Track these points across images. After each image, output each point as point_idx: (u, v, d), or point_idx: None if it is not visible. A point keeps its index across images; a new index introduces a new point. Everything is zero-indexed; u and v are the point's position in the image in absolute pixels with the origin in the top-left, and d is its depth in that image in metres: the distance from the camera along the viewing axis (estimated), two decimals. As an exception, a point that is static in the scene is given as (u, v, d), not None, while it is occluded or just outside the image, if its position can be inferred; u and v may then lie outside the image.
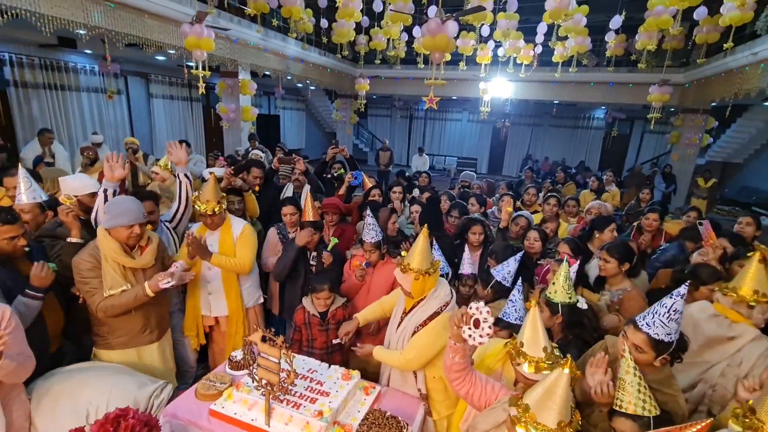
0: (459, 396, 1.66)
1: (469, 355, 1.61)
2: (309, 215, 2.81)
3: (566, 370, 1.18)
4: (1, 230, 1.89)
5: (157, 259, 2.30)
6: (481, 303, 1.52)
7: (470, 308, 1.52)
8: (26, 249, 2.02)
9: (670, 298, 1.50)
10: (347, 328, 2.32)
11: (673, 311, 1.48)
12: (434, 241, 2.80)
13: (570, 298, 1.96)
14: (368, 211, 2.60)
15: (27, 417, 1.80)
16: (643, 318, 1.54)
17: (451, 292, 2.06)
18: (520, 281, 2.15)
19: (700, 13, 6.12)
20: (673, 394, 1.56)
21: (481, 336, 1.50)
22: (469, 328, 1.51)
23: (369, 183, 4.28)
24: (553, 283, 2.01)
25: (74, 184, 2.59)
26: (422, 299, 2.00)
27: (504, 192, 5.03)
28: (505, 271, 2.44)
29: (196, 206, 2.60)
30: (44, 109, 7.40)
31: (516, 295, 2.05)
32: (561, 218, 4.20)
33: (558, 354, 1.51)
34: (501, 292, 2.42)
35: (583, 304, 2.00)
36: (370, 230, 2.52)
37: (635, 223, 3.95)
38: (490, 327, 1.49)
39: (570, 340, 1.96)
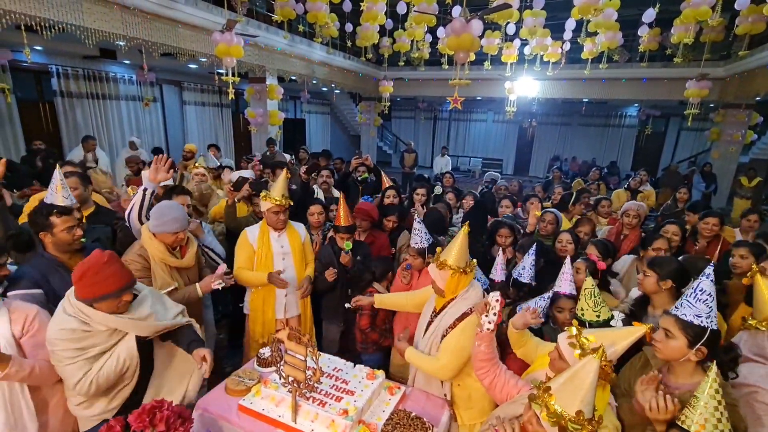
0: (483, 387, 1.65)
1: (495, 345, 1.64)
2: (342, 220, 2.83)
3: (596, 359, 1.12)
4: (60, 221, 1.99)
5: (196, 259, 2.46)
6: (497, 293, 1.59)
7: (492, 298, 1.60)
8: (83, 240, 2.09)
9: (698, 279, 1.49)
10: (363, 299, 2.41)
11: (700, 291, 1.46)
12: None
13: (599, 316, 1.84)
14: (417, 217, 2.60)
15: (65, 413, 1.83)
16: (674, 305, 1.54)
17: (483, 295, 2.03)
18: (550, 293, 2.12)
19: (742, 3, 5.77)
20: (731, 403, 1.43)
21: (489, 321, 1.57)
22: (486, 315, 1.58)
23: (387, 182, 4.20)
24: (580, 299, 1.92)
25: None
26: (453, 299, 1.98)
27: (531, 193, 4.90)
28: (520, 267, 2.45)
29: (268, 203, 2.62)
30: (87, 117, 7.87)
31: (537, 301, 2.05)
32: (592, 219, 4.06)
33: (613, 376, 1.42)
34: (522, 290, 2.42)
35: (617, 322, 1.88)
36: (415, 235, 2.49)
37: (687, 225, 3.66)
38: (494, 314, 1.56)
39: None
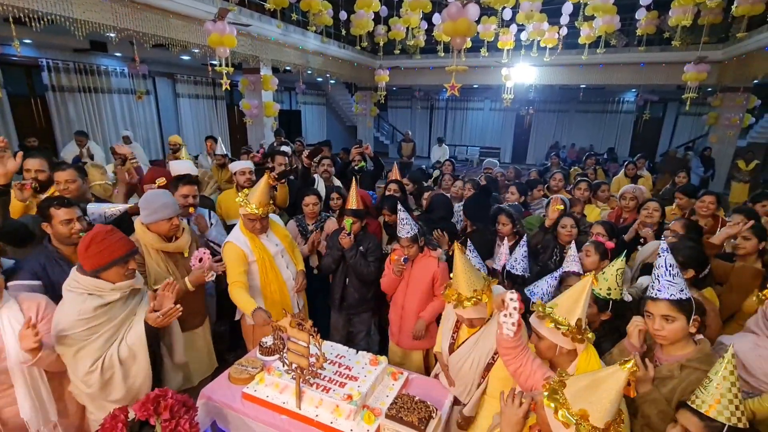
0: (509, 373, 1.58)
1: (522, 332, 1.54)
2: (353, 203, 2.74)
3: (624, 371, 1.07)
4: (58, 213, 1.97)
5: (191, 244, 2.38)
6: (515, 295, 1.45)
7: (507, 296, 1.47)
8: (81, 234, 2.02)
9: (659, 256, 1.54)
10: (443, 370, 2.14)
11: (671, 266, 1.51)
12: (468, 239, 2.77)
13: (610, 294, 1.87)
14: (401, 207, 2.54)
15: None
16: (652, 289, 1.54)
17: None
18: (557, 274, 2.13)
19: (741, -17, 5.70)
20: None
21: (508, 328, 1.46)
22: (505, 315, 1.47)
23: (396, 175, 4.04)
24: (605, 274, 1.92)
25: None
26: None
27: (531, 179, 4.87)
28: (512, 259, 2.45)
29: (245, 209, 2.41)
30: (79, 112, 7.77)
31: (548, 281, 2.06)
32: (592, 203, 4.06)
33: (589, 335, 1.46)
34: (514, 281, 2.41)
35: (626, 296, 1.92)
36: (404, 225, 2.45)
37: (676, 207, 3.65)
38: (513, 324, 1.44)
39: (605, 332, 1.89)
